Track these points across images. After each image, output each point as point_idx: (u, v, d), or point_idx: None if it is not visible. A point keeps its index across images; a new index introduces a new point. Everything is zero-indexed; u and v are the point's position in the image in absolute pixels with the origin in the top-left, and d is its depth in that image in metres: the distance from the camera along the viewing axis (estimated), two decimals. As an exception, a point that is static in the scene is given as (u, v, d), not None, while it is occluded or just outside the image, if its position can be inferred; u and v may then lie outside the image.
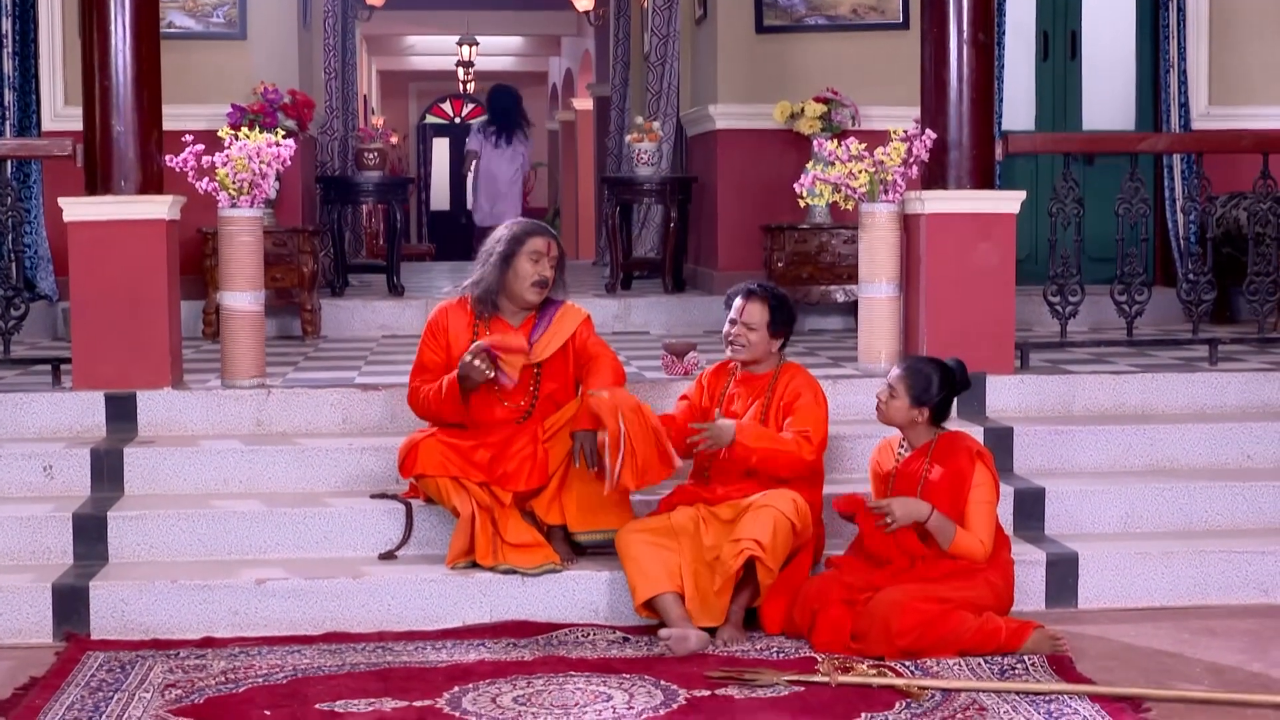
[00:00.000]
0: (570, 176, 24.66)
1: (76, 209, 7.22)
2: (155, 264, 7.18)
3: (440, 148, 31.61)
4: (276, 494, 6.70)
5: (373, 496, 6.58)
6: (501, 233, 6.42)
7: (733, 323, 6.32)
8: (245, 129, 7.31)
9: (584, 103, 22.44)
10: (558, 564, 6.14)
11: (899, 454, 6.14)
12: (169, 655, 5.69)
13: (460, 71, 26.37)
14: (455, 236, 26.80)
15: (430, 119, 31.97)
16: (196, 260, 9.76)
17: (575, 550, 6.31)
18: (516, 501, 6.27)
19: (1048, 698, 5.17)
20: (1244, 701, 5.17)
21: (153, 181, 7.26)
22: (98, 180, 7.26)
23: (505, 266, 6.32)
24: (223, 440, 6.99)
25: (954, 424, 6.44)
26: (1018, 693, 5.22)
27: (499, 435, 6.29)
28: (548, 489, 6.28)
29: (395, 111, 30.04)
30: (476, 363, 6.13)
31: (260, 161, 7.18)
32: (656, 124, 11.74)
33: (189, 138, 7.23)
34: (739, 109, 10.89)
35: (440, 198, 31.15)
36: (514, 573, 6.08)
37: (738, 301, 6.34)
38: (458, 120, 31.80)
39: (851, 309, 9.41)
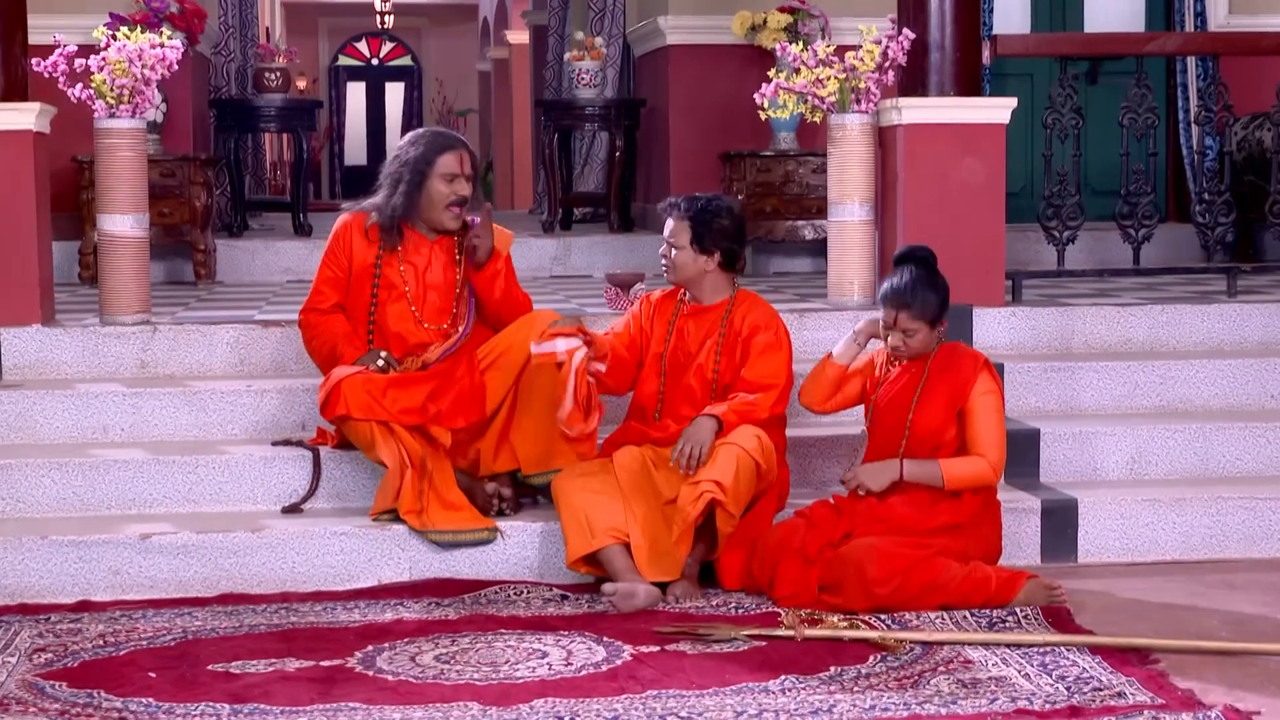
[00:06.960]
0: (504, 122, 24.57)
1: (-72, 121, 7.15)
2: (21, 182, 7.11)
3: (355, 93, 31.47)
4: (164, 442, 6.67)
5: (275, 443, 6.55)
6: (406, 151, 6.33)
7: (664, 242, 6.26)
8: (125, 30, 7.22)
9: (519, 36, 22.33)
10: (490, 532, 6.09)
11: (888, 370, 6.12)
12: (38, 620, 5.64)
13: (378, 3, 26.29)
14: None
15: (344, 60, 31.83)
16: (71, 194, 9.68)
17: (529, 492, 6.32)
18: (453, 446, 6.21)
19: (1042, 649, 5.16)
20: (1267, 651, 5.16)
21: (17, 89, 7.18)
22: (-49, 87, 7.19)
23: (416, 192, 6.30)
24: (102, 384, 6.94)
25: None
26: (1008, 645, 5.21)
27: (436, 366, 6.27)
28: (491, 431, 6.24)
29: (303, 51, 29.77)
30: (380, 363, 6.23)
31: (142, 65, 7.11)
32: (599, 40, 11.71)
33: (59, 36, 7.17)
34: (693, 21, 10.90)
35: (355, 150, 31.01)
36: (453, 545, 6.04)
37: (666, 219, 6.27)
38: (375, 61, 31.68)
39: (821, 248, 9.36)
